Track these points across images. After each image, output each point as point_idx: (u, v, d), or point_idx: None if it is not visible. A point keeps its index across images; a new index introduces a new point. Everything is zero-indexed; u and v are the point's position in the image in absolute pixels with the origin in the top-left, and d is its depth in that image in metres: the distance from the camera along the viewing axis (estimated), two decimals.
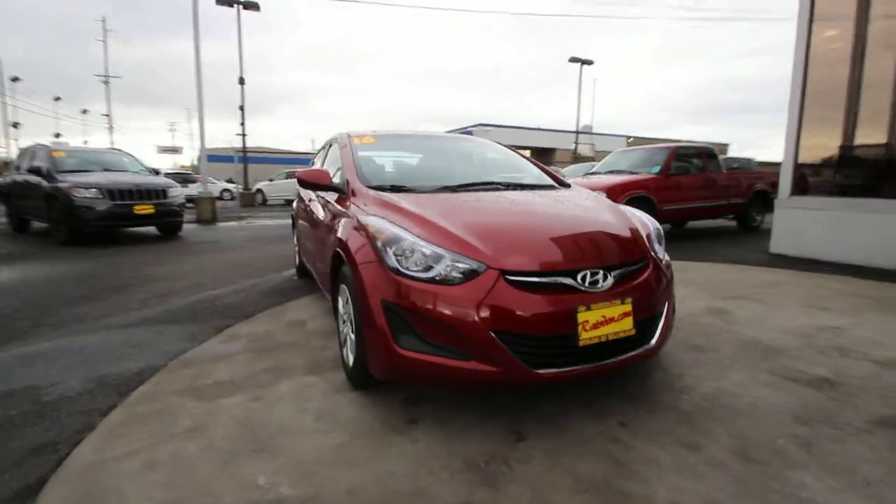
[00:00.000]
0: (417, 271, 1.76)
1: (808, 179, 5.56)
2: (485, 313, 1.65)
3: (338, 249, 2.21)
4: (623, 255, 1.93)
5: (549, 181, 2.89)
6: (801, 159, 5.53)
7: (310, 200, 3.39)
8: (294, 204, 4.56)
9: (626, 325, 1.81)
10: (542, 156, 37.32)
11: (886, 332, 2.79)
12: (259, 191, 19.06)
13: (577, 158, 28.45)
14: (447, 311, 1.67)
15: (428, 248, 1.79)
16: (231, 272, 4.87)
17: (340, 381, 2.25)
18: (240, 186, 21.18)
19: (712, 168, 7.71)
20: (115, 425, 1.87)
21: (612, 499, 1.42)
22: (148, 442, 1.75)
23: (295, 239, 4.62)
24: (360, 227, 2.05)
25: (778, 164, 5.95)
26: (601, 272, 1.80)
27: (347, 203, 2.42)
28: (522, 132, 36.09)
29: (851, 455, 1.62)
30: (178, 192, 7.40)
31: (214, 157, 33.58)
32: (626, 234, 2.07)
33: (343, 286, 2.20)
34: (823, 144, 5.60)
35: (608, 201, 2.50)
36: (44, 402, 2.07)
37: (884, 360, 2.40)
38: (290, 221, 5.05)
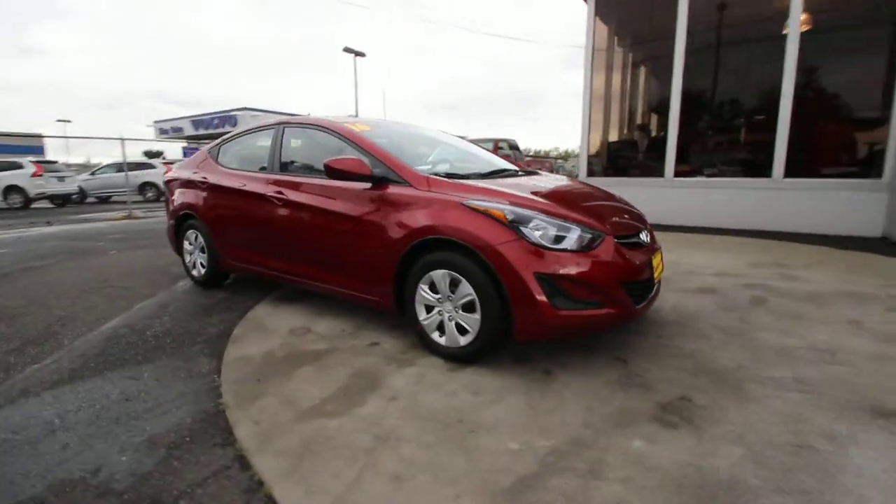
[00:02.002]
0: (553, 243, 2.09)
1: (594, 165, 7.73)
2: (614, 270, 2.14)
3: (435, 237, 2.23)
4: (643, 219, 2.69)
5: (529, 168, 3.44)
6: (590, 152, 7.62)
7: (278, 193, 2.96)
8: (183, 200, 3.73)
9: (661, 266, 2.59)
10: None
11: (700, 258, 4.50)
12: None
13: None
14: (590, 273, 2.08)
15: (557, 223, 2.13)
16: (90, 297, 3.58)
17: (441, 363, 2.32)
18: None
19: (518, 157, 9.64)
20: (283, 472, 1.55)
21: (713, 375, 2.16)
22: (352, 467, 1.56)
23: (190, 244, 3.79)
24: (475, 211, 2.17)
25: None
26: (645, 231, 2.52)
27: (405, 191, 2.40)
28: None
29: (762, 321, 2.83)
30: None
31: None
32: (632, 204, 2.85)
33: (442, 273, 2.24)
34: (598, 141, 7.86)
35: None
36: (133, 489, 1.47)
37: (716, 273, 3.96)
38: (49, 230, 4.06)
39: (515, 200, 2.24)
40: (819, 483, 1.45)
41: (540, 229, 2.10)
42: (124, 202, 14.65)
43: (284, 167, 3.12)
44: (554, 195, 2.49)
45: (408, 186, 2.44)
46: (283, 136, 3.19)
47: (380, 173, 2.52)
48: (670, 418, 1.82)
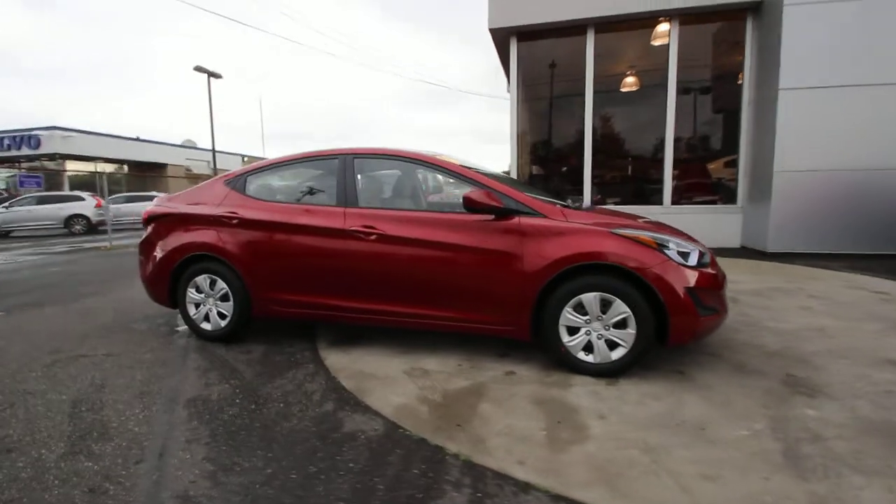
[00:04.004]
0: (685, 261, 2.50)
1: None
2: (721, 280, 2.64)
3: (588, 262, 2.43)
4: None
5: None
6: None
7: (367, 227, 2.75)
8: (192, 240, 3.13)
9: None
10: (149, 171, 31.31)
11: None
12: None
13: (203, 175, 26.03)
14: (713, 283, 2.54)
15: (682, 244, 2.55)
16: (69, 371, 2.65)
17: (592, 381, 2.49)
18: None
19: None
20: (610, 497, 1.58)
21: (780, 356, 2.81)
22: (659, 478, 1.68)
23: (199, 292, 3.17)
24: (625, 238, 2.45)
25: None
26: None
27: (544, 222, 2.55)
28: (118, 142, 28.84)
29: (753, 313, 3.70)
30: None
31: None
32: None
33: (593, 295, 2.44)
34: (525, 176, 8.79)
35: None
36: None
37: None
38: None
39: (643, 227, 2.61)
40: None
41: (675, 250, 2.50)
42: None
43: (363, 200, 2.92)
44: (647, 222, 2.93)
45: (542, 217, 2.59)
46: (353, 168, 2.98)
47: (511, 206, 2.62)
48: (801, 389, 2.35)
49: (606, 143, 8.04)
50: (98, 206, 14.27)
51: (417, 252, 2.73)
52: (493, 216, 2.63)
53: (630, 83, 7.87)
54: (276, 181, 3.23)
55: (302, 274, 2.96)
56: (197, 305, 3.22)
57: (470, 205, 2.54)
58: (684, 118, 7.38)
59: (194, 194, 3.34)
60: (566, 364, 2.59)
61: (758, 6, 6.61)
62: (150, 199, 17.14)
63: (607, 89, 7.71)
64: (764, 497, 1.56)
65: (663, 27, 7.19)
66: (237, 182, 3.24)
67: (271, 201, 3.11)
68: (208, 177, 31.59)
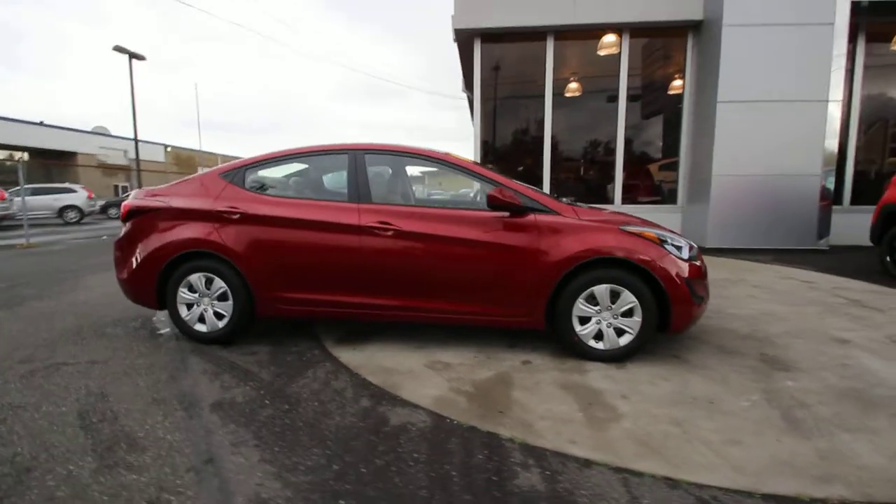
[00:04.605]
0: (680, 254, 2.78)
1: None
2: (705, 271, 2.96)
3: (601, 256, 2.62)
4: None
5: None
6: None
7: (382, 223, 2.75)
8: (185, 236, 2.94)
9: None
10: (58, 159, 27.96)
11: None
12: None
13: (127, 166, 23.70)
14: (703, 274, 2.85)
15: (676, 238, 2.83)
16: (56, 380, 2.39)
17: (603, 366, 2.70)
18: None
19: None
20: (661, 466, 1.76)
21: (749, 338, 3.20)
22: (694, 447, 1.89)
23: (193, 292, 2.99)
24: (631, 234, 2.67)
25: None
26: None
27: (558, 219, 2.71)
28: (15, 126, 25.31)
29: (715, 302, 4.15)
30: None
31: None
32: None
33: (605, 287, 2.65)
34: None
35: None
36: None
37: None
38: None
39: (642, 223, 2.86)
40: (884, 367, 2.54)
41: (673, 245, 2.77)
42: None
43: (375, 196, 2.90)
44: (635, 217, 3.20)
45: (556, 215, 2.76)
46: (364, 164, 2.95)
47: (528, 204, 2.75)
48: (778, 365, 2.72)
49: (563, 145, 8.48)
50: (1, 199, 12.57)
51: (435, 248, 2.78)
52: (509, 213, 2.75)
53: (578, 89, 8.35)
54: (279, 175, 3.11)
55: (314, 271, 2.89)
56: (189, 306, 3.03)
57: (494, 202, 2.64)
58: (632, 125, 7.98)
59: (183, 188, 3.12)
60: (577, 351, 2.77)
61: (698, 25, 7.32)
62: (65, 191, 15.89)
63: (565, 94, 8.14)
64: (782, 455, 1.83)
65: (614, 38, 7.72)
66: (234, 175, 3.07)
67: (276, 196, 3.00)
68: (124, 167, 28.85)
